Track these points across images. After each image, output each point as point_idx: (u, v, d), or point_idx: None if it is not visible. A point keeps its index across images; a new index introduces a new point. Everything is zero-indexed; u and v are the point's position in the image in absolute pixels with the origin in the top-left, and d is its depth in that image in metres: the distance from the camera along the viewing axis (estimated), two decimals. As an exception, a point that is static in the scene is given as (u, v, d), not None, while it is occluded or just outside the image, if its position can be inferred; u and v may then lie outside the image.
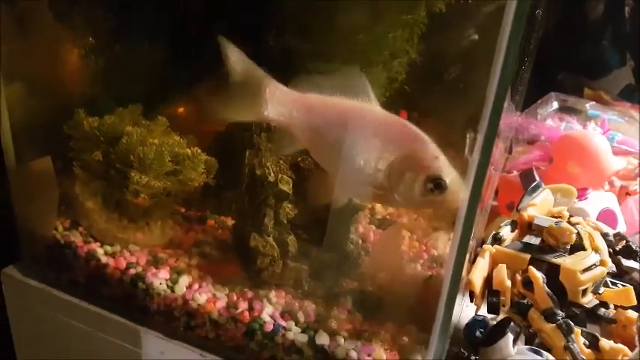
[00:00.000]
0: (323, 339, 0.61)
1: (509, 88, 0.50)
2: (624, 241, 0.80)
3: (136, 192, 0.69)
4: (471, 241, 0.56)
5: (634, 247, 0.78)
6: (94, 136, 0.70)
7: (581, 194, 0.90)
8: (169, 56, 0.80)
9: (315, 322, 0.64)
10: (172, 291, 0.66)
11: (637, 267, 0.77)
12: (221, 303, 0.65)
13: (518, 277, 0.68)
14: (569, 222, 0.75)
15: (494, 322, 0.69)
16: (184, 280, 0.67)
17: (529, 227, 0.75)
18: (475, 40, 0.61)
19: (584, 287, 0.66)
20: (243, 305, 0.65)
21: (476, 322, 0.69)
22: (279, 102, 0.56)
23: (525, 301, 0.68)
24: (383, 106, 0.71)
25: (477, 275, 0.68)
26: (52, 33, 0.77)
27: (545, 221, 0.73)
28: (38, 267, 0.74)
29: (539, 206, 0.79)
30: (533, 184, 0.82)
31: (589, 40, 1.52)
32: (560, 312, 0.65)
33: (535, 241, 0.71)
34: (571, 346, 0.62)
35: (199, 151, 0.71)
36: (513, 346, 0.63)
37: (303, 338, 0.62)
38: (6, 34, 0.70)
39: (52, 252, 0.72)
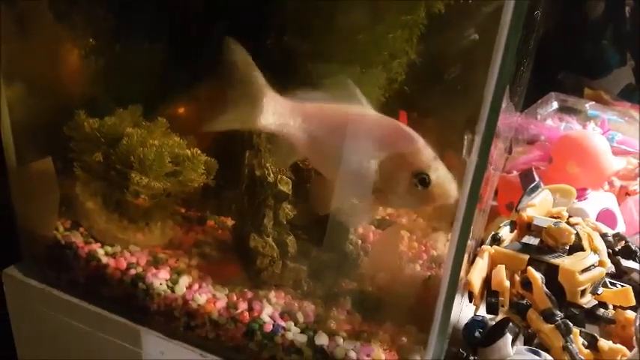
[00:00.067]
0: (322, 339, 0.62)
1: (507, 88, 0.50)
2: (623, 242, 0.80)
3: (136, 193, 0.70)
4: (470, 242, 0.56)
5: (633, 248, 0.79)
6: (94, 137, 0.70)
7: (581, 194, 0.90)
8: (169, 56, 0.80)
9: (315, 323, 0.64)
10: (172, 291, 0.67)
11: (636, 267, 0.77)
12: (221, 303, 0.65)
13: (517, 278, 0.69)
14: (568, 222, 0.75)
15: (493, 323, 0.69)
16: (184, 281, 0.68)
17: (528, 228, 0.76)
18: (473, 40, 0.61)
19: (582, 288, 0.66)
20: (242, 305, 0.65)
21: (475, 323, 0.69)
22: (275, 111, 0.57)
23: (524, 301, 0.69)
24: (382, 106, 0.72)
25: (476, 275, 0.68)
26: (52, 33, 0.77)
27: (544, 222, 0.73)
28: (39, 267, 0.75)
29: (539, 206, 0.79)
30: (533, 185, 0.82)
31: (589, 40, 1.52)
32: (558, 312, 0.65)
33: (534, 241, 0.71)
34: (569, 347, 0.62)
35: (199, 151, 0.71)
36: (512, 347, 0.64)
37: (302, 338, 0.62)
38: (6, 34, 0.70)
39: (52, 252, 0.73)
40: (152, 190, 0.70)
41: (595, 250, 0.71)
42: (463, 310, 0.73)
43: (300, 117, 0.57)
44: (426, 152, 0.55)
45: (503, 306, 0.68)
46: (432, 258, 0.75)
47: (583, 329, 0.66)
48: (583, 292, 0.67)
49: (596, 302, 0.69)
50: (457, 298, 0.59)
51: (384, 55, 0.70)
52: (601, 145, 0.98)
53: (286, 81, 0.71)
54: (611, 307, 0.71)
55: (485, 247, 0.72)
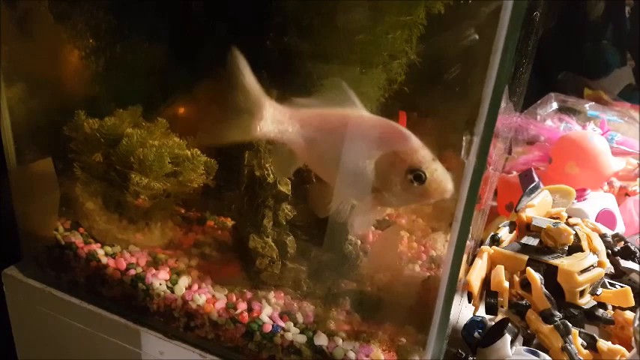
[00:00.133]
0: (321, 340, 0.62)
1: (506, 88, 0.50)
2: (622, 242, 0.80)
3: (136, 193, 0.70)
4: (469, 242, 0.56)
5: (632, 248, 0.78)
6: (94, 138, 0.70)
7: (580, 195, 0.90)
8: (169, 56, 0.80)
9: (314, 323, 0.64)
10: (172, 292, 0.67)
11: (635, 268, 0.77)
12: (220, 304, 0.65)
13: (516, 278, 0.69)
14: (567, 223, 0.75)
15: (492, 323, 0.69)
16: (184, 281, 0.68)
17: (527, 228, 0.76)
18: (472, 41, 0.61)
19: (581, 288, 0.66)
20: (242, 306, 0.65)
21: (474, 323, 0.69)
22: (274, 119, 0.58)
23: (523, 302, 0.69)
24: (382, 107, 0.72)
25: (475, 276, 0.68)
26: (52, 33, 0.77)
27: (544, 222, 0.73)
28: (39, 267, 0.75)
29: (538, 207, 0.79)
30: (532, 185, 0.82)
31: (589, 40, 1.52)
32: (557, 313, 0.65)
33: (533, 242, 0.71)
34: (568, 347, 0.62)
35: (199, 152, 0.72)
36: (511, 347, 0.64)
37: (301, 339, 0.62)
38: (7, 35, 0.70)
39: (52, 252, 0.73)
40: (152, 191, 0.70)
41: (594, 251, 0.71)
42: (462, 311, 0.73)
43: (298, 123, 0.58)
44: (420, 149, 0.55)
45: (502, 306, 0.68)
46: (432, 258, 0.75)
47: (582, 330, 0.66)
48: (582, 293, 0.67)
49: (595, 303, 0.69)
50: (456, 299, 0.59)
51: (384, 55, 0.70)
52: (600, 145, 0.98)
53: (286, 81, 0.72)
54: (610, 307, 0.71)
55: (485, 247, 0.72)
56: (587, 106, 1.22)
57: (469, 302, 0.69)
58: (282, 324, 0.63)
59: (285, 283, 0.68)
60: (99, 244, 0.72)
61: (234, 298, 0.66)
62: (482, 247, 0.73)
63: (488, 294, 0.68)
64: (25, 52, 0.75)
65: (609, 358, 0.64)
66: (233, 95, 0.57)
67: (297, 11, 0.70)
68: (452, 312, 0.57)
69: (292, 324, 0.64)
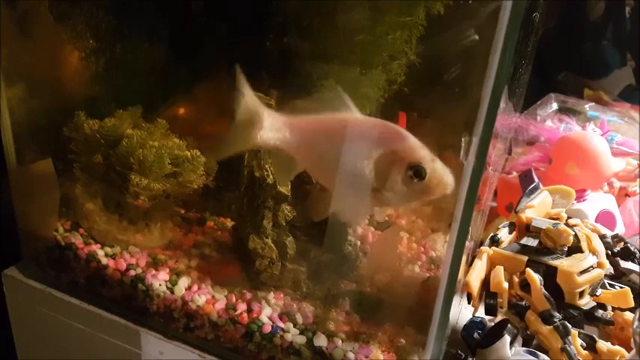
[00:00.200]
0: (321, 340, 0.62)
1: (505, 89, 0.50)
2: (622, 243, 0.80)
3: (136, 194, 0.70)
4: (468, 243, 0.56)
5: (632, 249, 0.78)
6: (94, 139, 0.70)
7: (580, 195, 0.90)
8: (169, 57, 0.80)
9: (314, 324, 0.64)
10: (172, 292, 0.67)
11: (635, 269, 0.76)
12: (220, 304, 0.65)
13: (516, 279, 0.69)
14: (566, 224, 0.75)
15: (492, 324, 0.69)
16: (184, 282, 0.68)
17: (527, 229, 0.76)
18: (471, 42, 0.61)
19: (581, 289, 0.66)
20: (241, 307, 0.65)
21: (473, 324, 0.69)
22: (272, 127, 0.59)
23: (523, 302, 0.69)
24: (381, 108, 0.72)
25: (475, 277, 0.68)
26: (53, 34, 0.77)
27: (543, 223, 0.73)
28: (39, 268, 0.75)
29: (538, 208, 0.79)
30: (532, 186, 0.82)
31: (589, 40, 1.52)
32: (557, 314, 0.65)
33: (533, 242, 0.71)
34: (568, 348, 0.62)
35: (199, 153, 0.72)
36: (510, 348, 0.64)
37: (301, 340, 0.62)
38: (7, 35, 0.70)
39: (52, 253, 0.73)
40: (152, 192, 0.70)
41: (593, 252, 0.71)
42: (462, 312, 0.73)
43: (296, 130, 0.59)
44: (417, 146, 0.56)
45: (501, 307, 0.68)
46: (431, 259, 0.75)
47: (582, 330, 0.66)
48: (581, 294, 0.67)
49: (595, 304, 0.69)
50: (456, 300, 0.59)
51: (384, 56, 0.70)
52: (600, 146, 0.98)
53: (286, 82, 0.72)
54: (609, 308, 0.71)
55: (484, 248, 0.72)
56: (587, 106, 1.22)
57: (468, 303, 0.70)
58: (281, 325, 0.63)
59: (284, 283, 0.68)
60: (99, 245, 0.72)
61: (234, 299, 0.66)
62: (481, 247, 0.73)
63: (488, 295, 0.68)
64: (25, 53, 0.75)
65: (609, 358, 0.64)
66: (232, 107, 0.58)
67: (297, 11, 0.70)
68: (451, 313, 0.57)
69: (292, 325, 0.64)
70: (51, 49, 0.79)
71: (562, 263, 0.67)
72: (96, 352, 0.72)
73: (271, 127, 0.59)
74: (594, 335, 0.66)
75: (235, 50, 0.76)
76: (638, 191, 0.98)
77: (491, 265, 0.71)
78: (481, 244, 0.76)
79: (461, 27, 0.62)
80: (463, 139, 0.49)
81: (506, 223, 0.79)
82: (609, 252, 0.77)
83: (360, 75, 0.71)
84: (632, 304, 0.69)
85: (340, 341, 0.62)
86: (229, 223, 0.79)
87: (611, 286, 0.73)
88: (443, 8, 0.66)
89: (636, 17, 1.47)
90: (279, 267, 0.67)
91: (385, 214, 0.82)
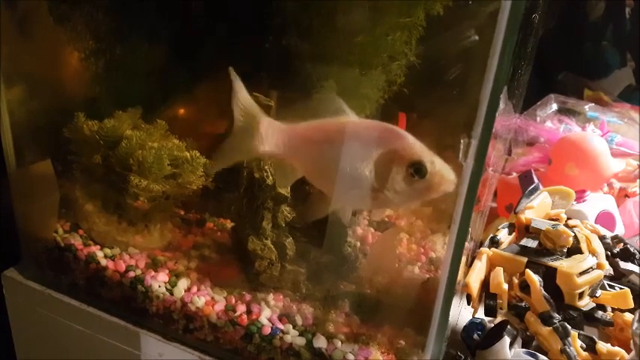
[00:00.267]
0: (321, 342, 0.62)
1: (505, 90, 0.50)
2: (622, 244, 0.80)
3: (135, 195, 0.70)
4: (468, 244, 0.56)
5: (632, 250, 0.78)
6: (93, 140, 0.70)
7: (580, 196, 0.90)
8: (169, 58, 0.80)
9: (313, 325, 0.64)
10: (171, 294, 0.67)
11: (635, 270, 0.77)
12: (219, 306, 0.65)
13: (516, 280, 0.68)
14: (566, 225, 0.75)
15: (492, 325, 0.69)
16: (183, 283, 0.68)
17: (527, 230, 0.76)
18: (470, 43, 0.61)
19: (580, 290, 0.66)
20: (241, 308, 0.65)
21: (473, 325, 0.69)
22: (272, 136, 0.59)
23: (522, 304, 0.68)
24: (380, 109, 0.72)
25: (474, 278, 0.68)
26: (53, 35, 0.77)
27: (543, 224, 0.73)
28: (39, 269, 0.75)
29: (537, 209, 0.79)
30: (532, 187, 0.82)
31: (589, 40, 1.52)
32: (556, 315, 0.65)
33: (532, 244, 0.71)
34: (568, 349, 0.62)
35: (198, 154, 0.72)
36: (510, 349, 0.64)
37: (300, 341, 0.62)
38: (7, 36, 0.70)
39: (52, 254, 0.73)
40: (151, 193, 0.70)
41: (593, 253, 0.71)
42: (461, 313, 0.73)
43: (295, 137, 0.59)
44: (416, 145, 0.56)
45: (501, 308, 0.68)
46: (431, 260, 0.75)
47: (581, 332, 0.66)
48: (581, 295, 0.67)
49: (595, 305, 0.69)
50: (455, 301, 0.59)
51: (383, 57, 0.70)
52: (600, 146, 0.98)
53: (285, 82, 0.72)
54: (609, 309, 0.71)
55: (484, 249, 0.72)
56: (586, 107, 1.22)
57: (468, 304, 0.70)
58: (281, 326, 0.63)
59: (284, 285, 0.68)
60: (98, 246, 0.72)
61: (233, 301, 0.66)
62: (481, 249, 0.73)
63: (488, 296, 0.68)
64: (25, 54, 0.75)
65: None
66: (231, 117, 0.59)
67: (296, 12, 0.70)
68: (451, 314, 0.57)
69: (291, 326, 0.64)
70: (50, 50, 0.79)
71: (562, 264, 0.67)
72: (95, 353, 0.72)
73: (271, 136, 0.59)
74: (594, 336, 0.66)
75: (235, 51, 0.76)
76: (637, 192, 0.98)
77: (491, 266, 0.71)
78: (481, 244, 0.76)
79: (460, 28, 0.62)
80: (462, 141, 0.49)
81: (506, 224, 0.79)
82: (609, 253, 0.77)
83: (359, 76, 0.71)
84: (632, 305, 0.69)
85: (340, 343, 0.62)
86: (229, 224, 0.78)
87: (611, 287, 0.73)
88: (442, 9, 0.66)
89: (636, 17, 1.46)
90: (279, 268, 0.67)
91: (384, 214, 0.82)
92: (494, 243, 0.74)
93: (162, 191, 0.70)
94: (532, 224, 0.74)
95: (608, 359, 0.64)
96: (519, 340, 0.66)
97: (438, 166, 0.55)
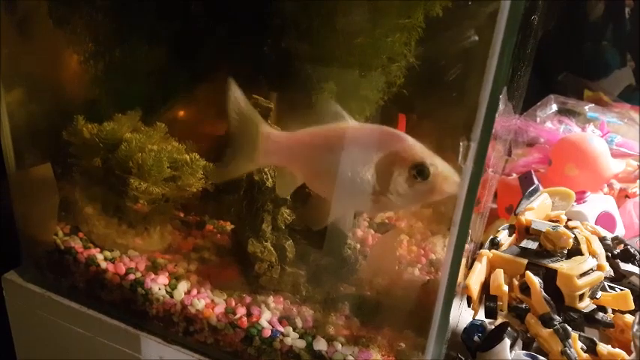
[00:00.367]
0: (321, 344, 0.62)
1: (504, 91, 0.50)
2: (622, 245, 0.80)
3: (135, 198, 0.70)
4: (468, 245, 0.56)
5: (632, 251, 0.78)
6: (93, 143, 0.70)
7: (580, 197, 0.89)
8: (169, 60, 0.80)
9: (313, 328, 0.64)
10: (171, 296, 0.67)
11: (635, 271, 0.76)
12: (219, 308, 0.65)
13: (516, 282, 0.68)
14: (566, 226, 0.75)
15: (492, 327, 0.69)
16: (183, 286, 0.68)
17: (527, 231, 0.75)
18: (470, 44, 0.61)
19: (581, 292, 0.66)
20: (241, 311, 0.65)
21: (473, 327, 0.69)
22: (273, 145, 0.59)
23: (523, 305, 0.68)
24: (380, 110, 0.72)
25: (475, 280, 0.68)
26: (52, 38, 0.77)
27: (543, 225, 0.73)
28: (39, 272, 0.75)
29: (537, 210, 0.79)
30: (532, 188, 0.82)
31: (589, 40, 1.52)
32: (557, 317, 0.65)
33: (532, 245, 0.71)
34: (568, 351, 0.62)
35: (198, 156, 0.72)
36: (510, 351, 0.63)
37: (301, 344, 0.62)
38: (6, 39, 0.70)
39: (52, 257, 0.73)
40: (151, 195, 0.70)
41: (593, 254, 0.71)
42: (462, 315, 0.73)
43: (295, 145, 0.59)
44: (417, 147, 0.55)
45: (501, 310, 0.68)
46: (431, 262, 0.75)
47: (582, 333, 0.66)
48: (581, 297, 0.67)
49: (595, 306, 0.69)
50: (456, 303, 0.59)
51: (383, 58, 0.70)
52: (600, 147, 0.98)
53: (285, 84, 0.72)
54: (610, 311, 0.71)
55: (484, 251, 0.72)
56: (586, 107, 1.22)
57: (468, 306, 0.69)
58: (281, 329, 0.63)
59: (284, 287, 0.68)
60: (98, 249, 0.72)
61: (233, 303, 0.66)
62: (481, 250, 0.73)
63: (488, 298, 0.68)
64: (25, 56, 0.75)
65: (609, 361, 0.64)
66: (232, 127, 0.59)
67: (296, 13, 0.70)
68: (451, 316, 0.56)
69: (291, 329, 0.64)
70: (50, 53, 0.79)
71: (562, 266, 0.67)
72: (96, 356, 0.72)
73: (272, 144, 0.59)
74: (594, 338, 0.66)
75: (235, 52, 0.76)
76: (638, 193, 0.97)
77: (491, 268, 0.70)
78: (481, 246, 0.76)
79: (459, 29, 0.62)
80: (461, 144, 0.49)
81: (506, 225, 0.79)
82: (609, 254, 0.76)
83: (359, 77, 0.71)
84: (633, 306, 0.69)
85: (340, 345, 0.62)
86: (228, 226, 0.78)
87: (612, 288, 0.73)
88: (441, 10, 0.66)
89: (636, 17, 1.46)
90: (279, 270, 0.67)
91: (384, 216, 0.82)
92: (495, 244, 0.74)
93: (161, 194, 0.70)
94: (532, 226, 0.74)
95: (609, 361, 0.64)
96: (520, 342, 0.66)
97: (440, 167, 0.54)
